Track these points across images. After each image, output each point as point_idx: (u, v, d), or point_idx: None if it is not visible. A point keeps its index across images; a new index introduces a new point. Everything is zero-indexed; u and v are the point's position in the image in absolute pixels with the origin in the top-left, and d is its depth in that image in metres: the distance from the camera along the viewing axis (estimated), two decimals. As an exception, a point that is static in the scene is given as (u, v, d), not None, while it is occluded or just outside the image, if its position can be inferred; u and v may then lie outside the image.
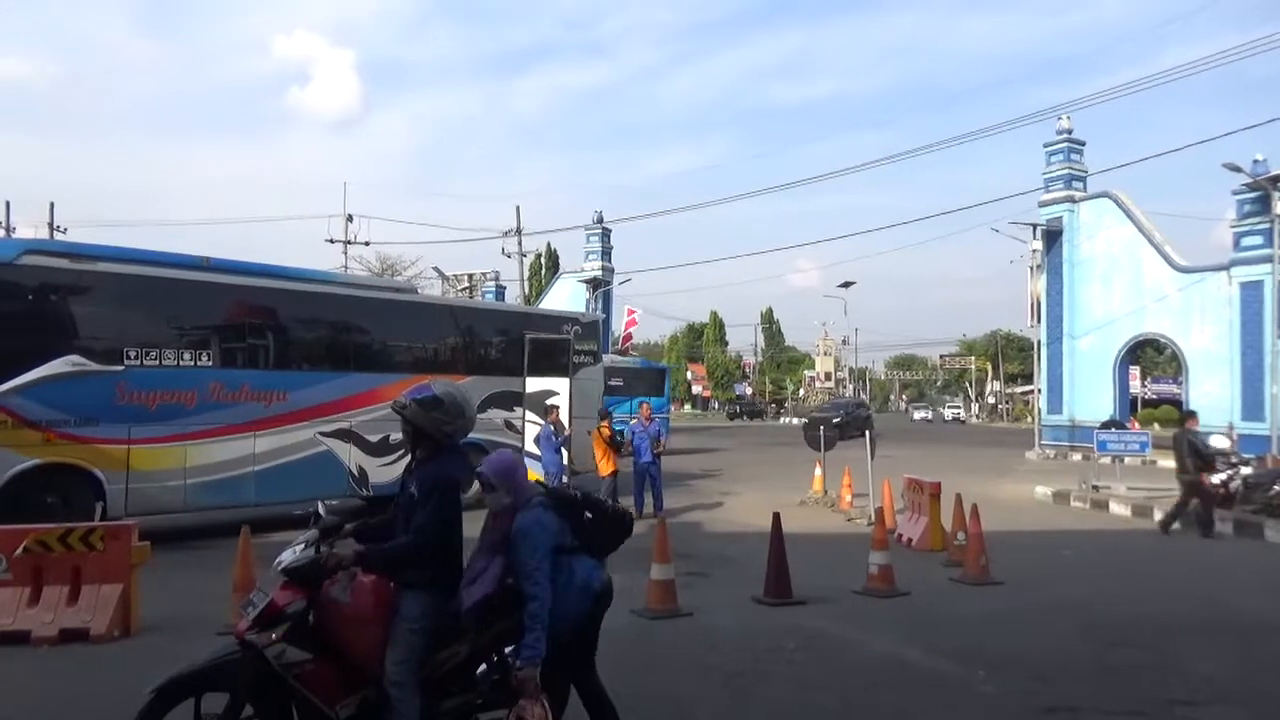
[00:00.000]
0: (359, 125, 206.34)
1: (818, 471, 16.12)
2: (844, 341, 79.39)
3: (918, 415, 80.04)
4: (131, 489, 10.88)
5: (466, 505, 4.08)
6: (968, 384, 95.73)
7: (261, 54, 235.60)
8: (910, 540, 11.33)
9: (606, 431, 13.78)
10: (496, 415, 15.02)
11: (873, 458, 13.70)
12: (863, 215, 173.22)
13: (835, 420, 34.53)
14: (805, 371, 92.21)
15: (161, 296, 11.57)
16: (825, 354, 79.68)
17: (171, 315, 11.72)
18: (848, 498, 14.93)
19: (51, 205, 39.03)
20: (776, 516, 8.38)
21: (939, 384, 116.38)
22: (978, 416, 77.84)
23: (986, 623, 7.62)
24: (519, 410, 15.23)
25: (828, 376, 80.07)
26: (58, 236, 34.06)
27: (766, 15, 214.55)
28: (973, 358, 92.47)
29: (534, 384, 15.26)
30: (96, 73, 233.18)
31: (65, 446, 10.44)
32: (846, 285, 65.77)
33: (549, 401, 14.59)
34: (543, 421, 14.24)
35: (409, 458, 4.22)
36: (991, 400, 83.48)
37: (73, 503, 10.30)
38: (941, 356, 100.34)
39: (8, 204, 39.24)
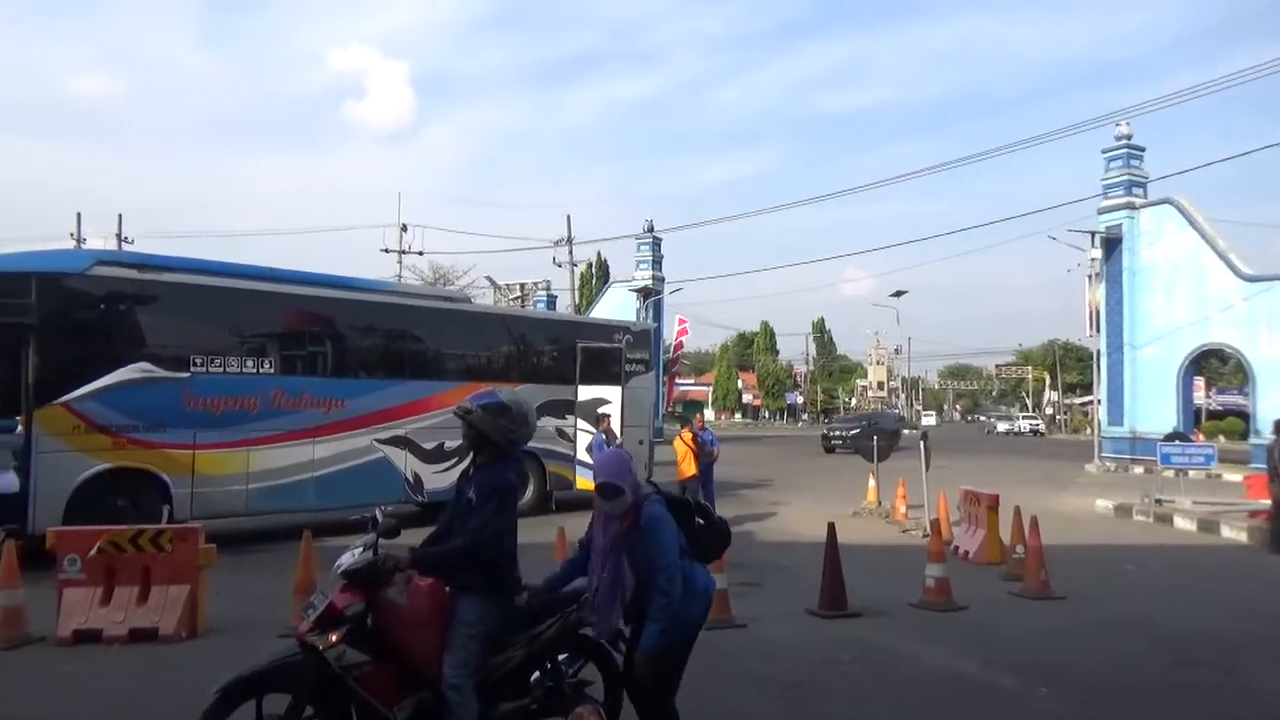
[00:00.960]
0: (412, 136, 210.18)
1: (871, 482, 15.95)
2: (896, 351, 78.56)
3: (1002, 427, 70.91)
4: (196, 493, 11.17)
5: (521, 513, 4.12)
6: (1025, 394, 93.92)
7: (318, 68, 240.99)
8: (967, 553, 11.15)
9: (689, 435, 13.82)
10: (549, 423, 15.09)
11: (927, 469, 13.51)
12: (915, 223, 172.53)
13: (854, 432, 34.15)
14: (857, 381, 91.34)
15: (225, 305, 11.86)
16: (878, 363, 78.82)
17: (235, 324, 12.00)
18: (902, 509, 14.76)
19: (120, 217, 40.42)
20: (831, 527, 8.32)
21: (994, 394, 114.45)
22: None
23: (1047, 637, 7.46)
24: (571, 418, 15.33)
25: (880, 386, 79.16)
26: (125, 247, 35.14)
27: (815, 24, 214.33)
28: (1030, 368, 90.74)
29: (586, 392, 15.36)
30: (162, 88, 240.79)
31: (134, 451, 10.75)
32: (899, 294, 65.08)
33: (601, 410, 14.65)
34: (594, 430, 14.29)
35: (465, 464, 4.27)
36: (1049, 411, 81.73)
37: (141, 506, 10.59)
38: (997, 366, 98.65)
39: (78, 216, 40.69)
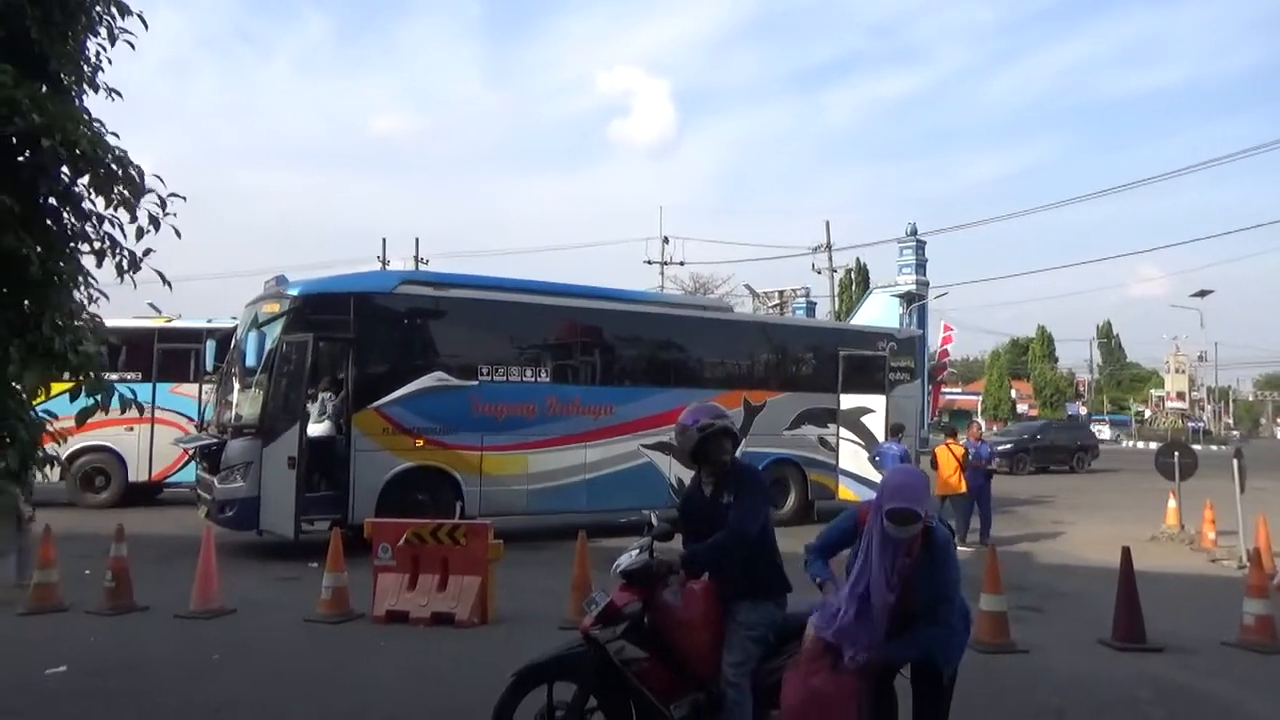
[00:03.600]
0: (672, 150, 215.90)
1: (1171, 504, 14.38)
2: (1200, 357, 70.11)
3: None
4: (484, 491, 12.14)
5: (783, 521, 4.19)
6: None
7: (587, 91, 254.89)
8: (1294, 588, 9.75)
9: (960, 449, 13.03)
10: (810, 432, 14.97)
11: (1242, 491, 11.97)
12: (1219, 215, 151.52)
13: (1006, 447, 29.84)
14: (1152, 391, 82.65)
15: (507, 318, 12.85)
16: (1177, 371, 70.63)
17: (515, 335, 12.94)
18: (1210, 535, 13.16)
19: (416, 240, 44.86)
20: (1126, 551, 7.60)
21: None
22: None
23: (1404, 693, 6.37)
24: (833, 427, 15.09)
25: (1180, 396, 70.94)
26: (421, 267, 38.91)
27: (1098, 1, 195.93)
28: (1373, 377, 77.88)
29: (849, 401, 15.05)
30: (451, 122, 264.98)
31: (433, 451, 11.87)
32: (1202, 294, 58.24)
33: (894, 422, 14.15)
34: (891, 439, 13.57)
35: (703, 473, 4.38)
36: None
37: (438, 501, 11.64)
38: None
39: (383, 240, 45.49)
